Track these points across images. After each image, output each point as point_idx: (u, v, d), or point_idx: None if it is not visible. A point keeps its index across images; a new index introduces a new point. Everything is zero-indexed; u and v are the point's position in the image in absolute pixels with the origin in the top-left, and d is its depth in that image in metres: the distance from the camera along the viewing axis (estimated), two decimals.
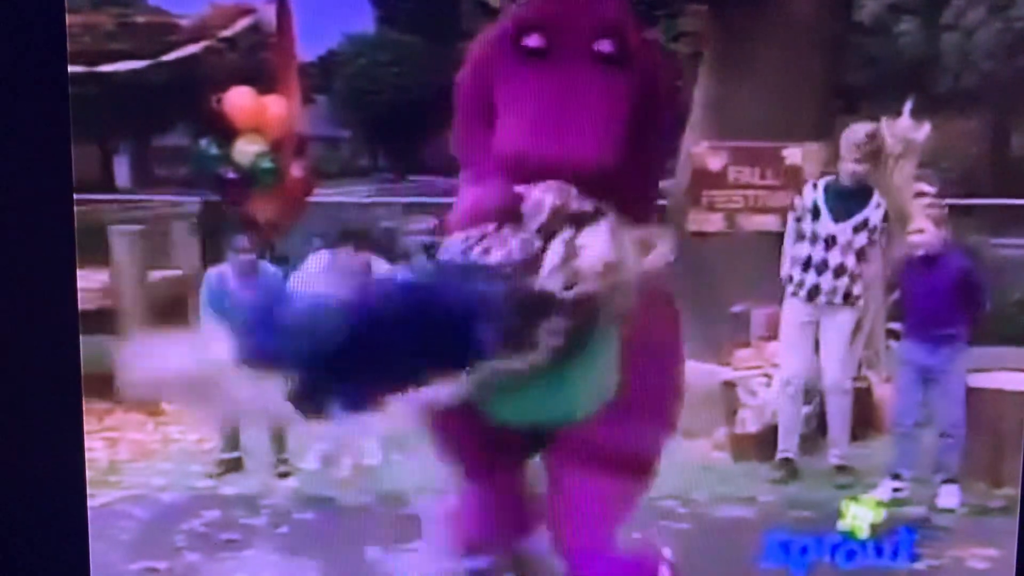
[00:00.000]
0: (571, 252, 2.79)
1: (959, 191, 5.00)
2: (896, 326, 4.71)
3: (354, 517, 4.22)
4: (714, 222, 5.00)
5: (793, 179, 4.90)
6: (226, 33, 6.10)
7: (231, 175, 5.47)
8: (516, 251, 2.83)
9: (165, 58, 5.87)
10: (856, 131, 4.54)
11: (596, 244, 2.80)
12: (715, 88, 5.34)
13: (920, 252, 4.26)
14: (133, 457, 4.84)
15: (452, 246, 2.93)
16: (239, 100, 5.54)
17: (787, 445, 4.59)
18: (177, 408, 5.31)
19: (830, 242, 4.46)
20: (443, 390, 2.85)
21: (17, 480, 2.94)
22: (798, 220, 4.57)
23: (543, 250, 2.82)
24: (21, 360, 2.90)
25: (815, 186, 4.56)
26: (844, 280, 4.46)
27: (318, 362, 2.78)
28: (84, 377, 2.98)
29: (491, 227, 2.89)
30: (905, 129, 5.00)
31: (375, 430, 4.61)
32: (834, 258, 4.46)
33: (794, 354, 4.57)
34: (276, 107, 5.61)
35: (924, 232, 4.25)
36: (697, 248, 4.88)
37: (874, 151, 4.55)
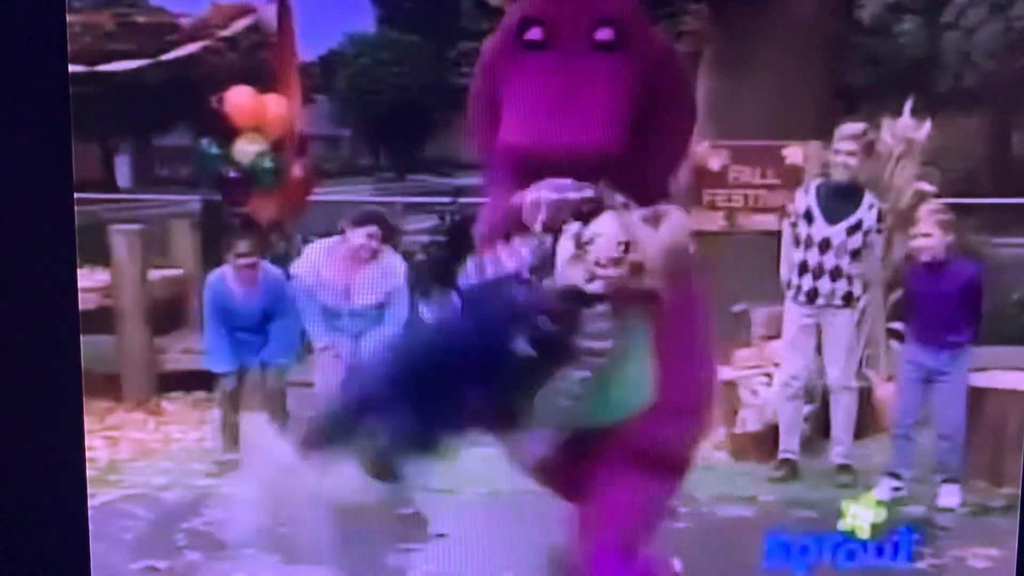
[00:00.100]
0: (582, 242, 2.80)
1: (959, 191, 5.00)
2: (897, 326, 4.71)
3: (355, 517, 4.22)
4: (714, 221, 5.00)
5: (793, 178, 4.90)
6: (227, 33, 6.11)
7: (232, 174, 5.47)
8: (528, 256, 2.82)
9: (165, 57, 5.87)
10: (850, 125, 4.55)
11: (605, 229, 2.80)
12: (715, 88, 5.34)
13: (926, 257, 4.25)
14: (134, 456, 4.84)
15: (468, 272, 2.92)
16: (239, 99, 5.54)
17: (788, 446, 4.59)
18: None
19: (824, 245, 4.47)
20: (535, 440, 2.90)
21: (18, 479, 2.94)
22: (793, 225, 4.58)
23: (554, 248, 2.83)
24: (22, 359, 2.90)
25: (807, 190, 4.56)
26: (842, 282, 4.46)
27: (391, 426, 2.84)
28: (84, 376, 2.98)
29: (500, 242, 2.90)
30: (906, 128, 5.01)
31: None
32: (829, 261, 4.46)
33: (795, 355, 4.57)
34: (276, 106, 5.60)
35: (931, 237, 4.24)
36: (697, 248, 4.88)
37: (868, 144, 4.55)
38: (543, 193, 2.85)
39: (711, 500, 3.58)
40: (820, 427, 4.72)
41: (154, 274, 5.78)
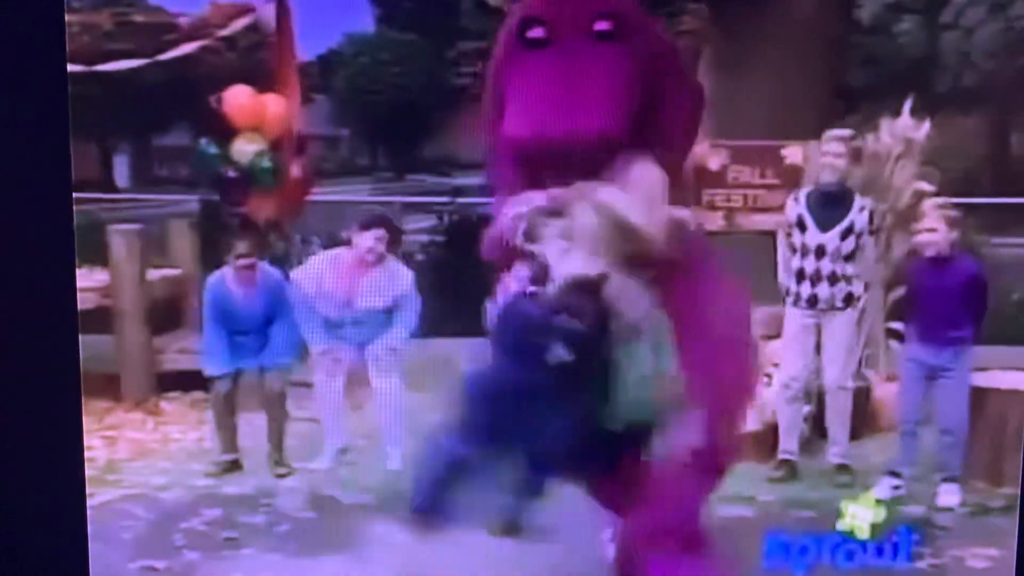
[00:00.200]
0: (566, 235, 2.85)
1: (958, 190, 5.00)
2: (897, 326, 4.71)
3: (356, 517, 4.22)
4: (713, 221, 5.00)
5: (792, 178, 4.90)
6: (225, 32, 6.10)
7: (230, 174, 5.46)
8: (527, 272, 2.91)
9: (164, 57, 5.87)
10: (838, 130, 4.55)
11: (581, 217, 2.85)
12: (715, 88, 5.33)
13: (930, 252, 4.25)
14: (132, 456, 4.84)
15: (490, 313, 3.05)
16: (238, 99, 5.54)
17: (788, 447, 4.59)
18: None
19: (820, 252, 4.46)
20: None
21: (17, 479, 2.93)
22: (788, 235, 4.58)
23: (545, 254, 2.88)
24: (20, 359, 2.89)
25: (796, 199, 4.55)
26: (841, 286, 4.46)
27: (501, 483, 2.95)
28: (83, 376, 2.97)
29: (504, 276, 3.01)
30: (905, 128, 5.01)
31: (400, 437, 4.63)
32: (826, 267, 4.46)
33: (795, 355, 4.56)
34: (275, 106, 5.60)
35: (936, 232, 4.23)
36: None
37: (855, 149, 4.55)
38: (512, 210, 2.94)
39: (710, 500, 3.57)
40: (818, 427, 4.71)
41: (153, 274, 5.77)
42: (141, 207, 7.24)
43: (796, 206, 4.53)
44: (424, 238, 6.76)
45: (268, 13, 5.88)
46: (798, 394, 4.57)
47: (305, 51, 6.12)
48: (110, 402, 5.43)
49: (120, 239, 5.57)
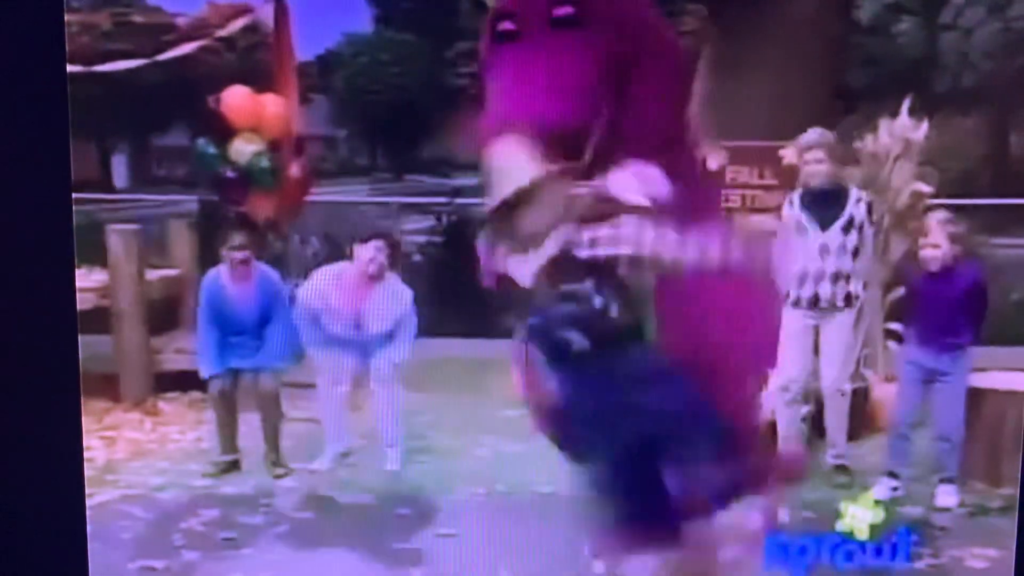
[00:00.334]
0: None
1: (957, 191, 5.00)
2: (895, 326, 4.71)
3: (355, 516, 4.23)
4: None
5: (790, 179, 4.89)
6: (224, 32, 6.09)
7: (229, 174, 5.46)
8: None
9: (162, 57, 5.85)
10: (807, 135, 4.51)
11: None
12: (713, 88, 5.33)
13: (934, 267, 4.23)
14: (131, 456, 4.83)
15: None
16: (237, 99, 5.53)
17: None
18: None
19: (823, 251, 4.45)
20: None
21: (16, 479, 2.93)
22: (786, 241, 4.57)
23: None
24: (20, 359, 2.89)
25: (791, 202, 4.54)
26: (842, 284, 4.45)
27: None
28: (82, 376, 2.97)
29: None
30: (903, 128, 5.01)
31: (397, 438, 4.64)
32: (830, 265, 4.45)
33: (794, 357, 4.55)
34: (274, 106, 5.59)
35: (939, 247, 4.22)
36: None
37: (832, 147, 4.53)
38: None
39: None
40: (817, 428, 4.71)
41: (151, 274, 5.77)
42: (139, 207, 7.24)
43: (790, 209, 4.52)
44: (422, 239, 6.76)
45: (266, 13, 5.87)
46: (797, 396, 4.56)
47: (304, 51, 6.11)
48: (108, 402, 5.42)
49: (118, 239, 5.56)
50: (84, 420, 3.02)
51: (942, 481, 4.28)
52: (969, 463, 4.33)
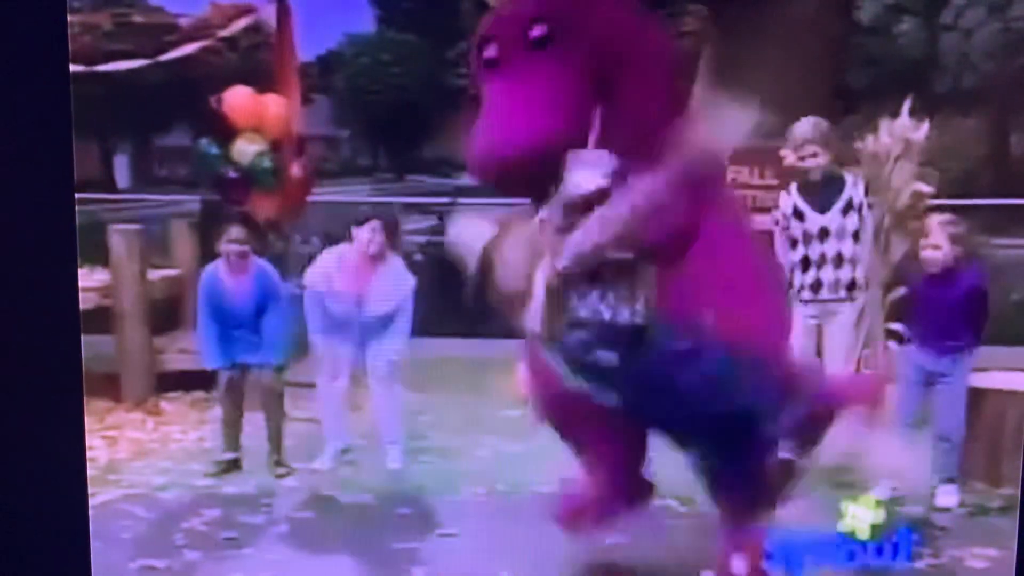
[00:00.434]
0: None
1: (957, 191, 5.01)
2: (896, 326, 4.71)
3: (356, 516, 4.23)
4: None
5: (791, 179, 4.90)
6: (226, 33, 6.11)
7: (231, 174, 5.47)
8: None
9: (165, 58, 5.87)
10: (799, 128, 4.50)
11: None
12: (714, 88, 5.33)
13: (934, 269, 4.24)
14: (133, 456, 4.84)
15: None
16: (238, 100, 5.55)
17: (787, 447, 4.58)
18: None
19: (824, 234, 4.45)
20: None
21: (18, 478, 2.94)
22: (785, 229, 4.56)
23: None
24: (22, 359, 2.90)
25: (789, 192, 4.55)
26: (845, 269, 4.45)
27: None
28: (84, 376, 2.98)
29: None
30: (904, 129, 5.01)
31: (398, 435, 4.64)
32: (831, 248, 4.45)
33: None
34: (276, 106, 5.61)
35: (940, 249, 4.22)
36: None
37: (825, 136, 4.52)
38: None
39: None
40: None
41: (153, 274, 5.78)
42: (142, 207, 7.25)
43: (789, 198, 4.53)
44: (423, 239, 6.77)
45: (269, 14, 5.89)
46: None
47: (305, 51, 6.13)
48: (110, 402, 5.44)
49: (120, 239, 5.57)
50: (86, 420, 3.02)
51: (942, 481, 4.29)
52: (969, 463, 4.33)
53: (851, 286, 4.46)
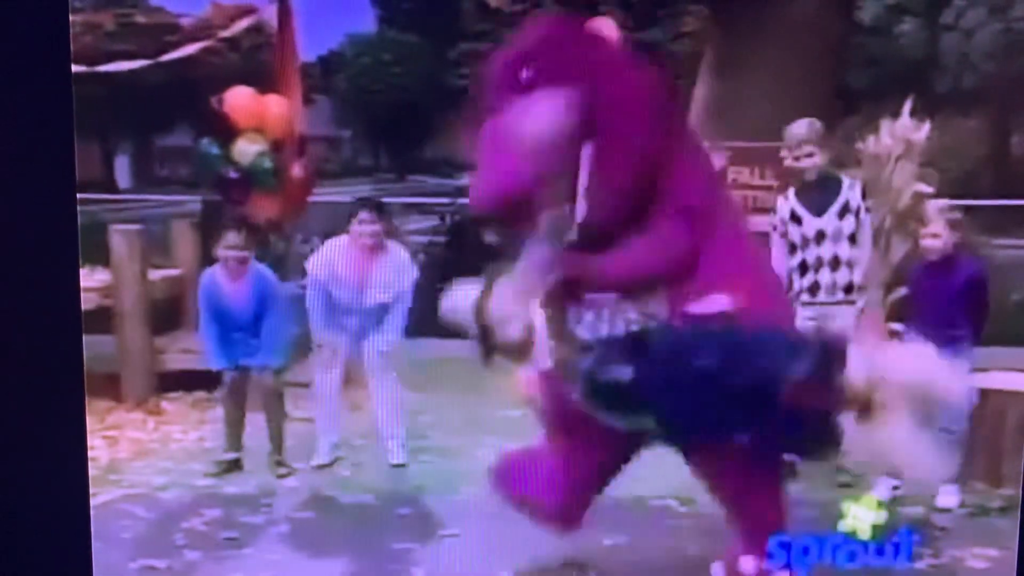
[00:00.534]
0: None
1: (958, 192, 5.00)
2: (897, 327, 4.71)
3: (356, 516, 4.23)
4: None
5: (791, 180, 4.90)
6: (227, 33, 6.12)
7: (232, 175, 5.47)
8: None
9: (166, 58, 5.87)
10: (794, 129, 4.51)
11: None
12: (714, 88, 5.34)
13: (934, 257, 4.24)
14: (133, 456, 4.85)
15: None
16: (240, 100, 5.55)
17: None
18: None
19: (820, 237, 4.45)
20: None
21: (20, 478, 2.94)
22: (783, 234, 4.56)
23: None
24: (24, 359, 2.90)
25: (786, 196, 4.55)
26: (843, 271, 4.45)
27: None
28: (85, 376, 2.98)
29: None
30: (905, 129, 5.01)
31: (398, 429, 4.65)
32: (827, 251, 4.45)
33: None
34: (277, 107, 5.61)
35: (939, 237, 4.23)
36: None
37: (821, 137, 4.53)
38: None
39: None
40: None
41: (154, 274, 5.78)
42: (143, 207, 7.25)
43: (786, 202, 4.53)
44: (425, 239, 6.77)
45: (270, 14, 5.89)
46: None
47: (307, 52, 6.13)
48: (111, 402, 5.44)
49: (121, 239, 5.57)
50: (87, 420, 3.03)
51: (943, 481, 4.29)
52: (970, 464, 4.33)
53: (848, 288, 4.46)
